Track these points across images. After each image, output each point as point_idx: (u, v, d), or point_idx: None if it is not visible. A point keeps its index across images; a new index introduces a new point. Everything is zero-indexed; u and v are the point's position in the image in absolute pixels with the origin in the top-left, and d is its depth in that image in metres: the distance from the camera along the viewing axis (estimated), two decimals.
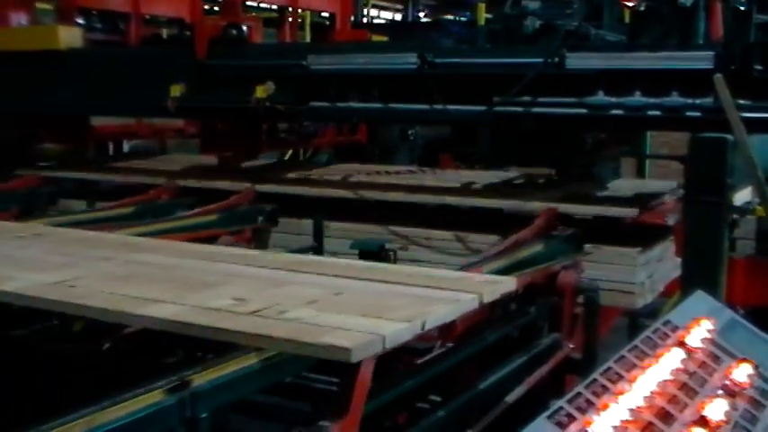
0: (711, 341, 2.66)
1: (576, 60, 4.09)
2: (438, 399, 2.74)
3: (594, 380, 2.23)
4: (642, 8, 4.17)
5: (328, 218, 4.70)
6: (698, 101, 3.84)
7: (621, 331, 4.26)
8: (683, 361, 2.46)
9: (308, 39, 9.67)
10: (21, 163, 5.96)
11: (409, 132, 8.51)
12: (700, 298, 2.96)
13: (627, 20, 5.13)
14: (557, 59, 4.08)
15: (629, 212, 4.15)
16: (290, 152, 8.31)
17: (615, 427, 2.03)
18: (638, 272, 3.97)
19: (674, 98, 3.89)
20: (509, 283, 2.69)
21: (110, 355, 3.01)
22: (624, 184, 5.30)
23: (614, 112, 4.05)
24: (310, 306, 2.29)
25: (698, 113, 3.86)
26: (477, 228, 4.37)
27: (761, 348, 2.75)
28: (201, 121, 6.83)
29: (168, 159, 6.52)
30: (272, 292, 2.46)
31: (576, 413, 2.04)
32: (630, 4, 4.29)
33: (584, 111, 4.12)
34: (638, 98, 3.96)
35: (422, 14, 21.98)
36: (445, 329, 2.73)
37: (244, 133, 6.39)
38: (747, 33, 3.79)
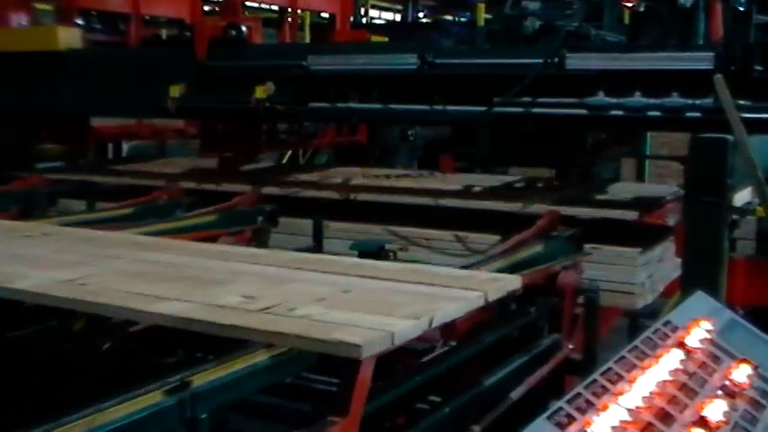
0: (711, 342, 2.65)
1: (576, 61, 4.09)
2: (438, 399, 2.74)
3: (594, 380, 2.23)
4: (642, 9, 4.17)
5: (328, 218, 4.70)
6: (698, 101, 3.84)
7: (622, 332, 4.26)
8: (682, 361, 2.46)
9: (307, 39, 9.67)
10: (21, 163, 5.96)
11: (409, 133, 8.51)
12: (700, 298, 2.96)
13: (627, 20, 5.14)
14: (557, 60, 4.08)
15: (630, 215, 4.15)
16: (290, 153, 8.31)
17: (615, 428, 2.03)
18: (639, 272, 3.97)
19: (675, 99, 3.89)
20: (514, 282, 2.72)
21: (110, 355, 3.01)
22: (625, 188, 5.29)
23: (614, 112, 4.05)
24: (319, 303, 2.32)
25: (698, 114, 3.86)
26: (478, 228, 4.37)
27: (761, 349, 2.75)
28: (201, 122, 6.84)
29: (169, 162, 6.52)
30: (281, 290, 2.49)
31: (575, 414, 2.04)
32: (630, 5, 4.29)
33: (584, 111, 4.12)
34: (638, 99, 3.97)
35: (421, 15, 21.97)
36: (447, 329, 2.75)
37: (244, 134, 6.40)
38: (747, 34, 3.79)
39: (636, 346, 2.48)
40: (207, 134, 6.85)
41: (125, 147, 7.91)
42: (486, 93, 4.26)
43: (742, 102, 3.64)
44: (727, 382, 2.44)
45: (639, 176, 8.41)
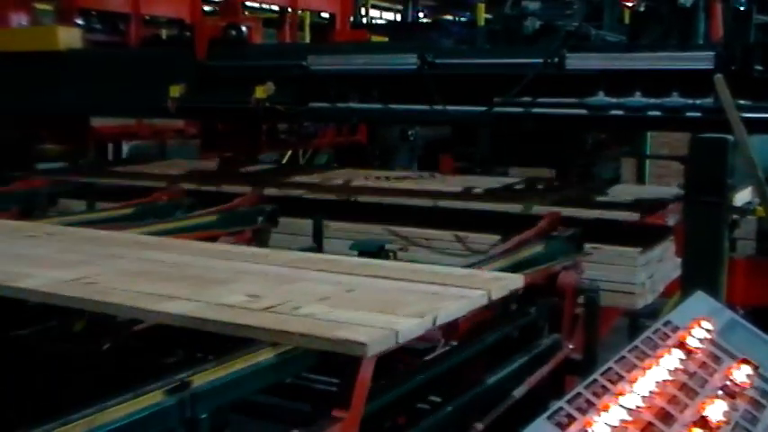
0: (711, 342, 2.65)
1: (577, 61, 4.08)
2: (438, 399, 2.74)
3: (595, 380, 2.22)
4: (642, 9, 4.17)
5: (328, 218, 4.70)
6: (698, 101, 3.84)
7: (622, 332, 4.26)
8: (683, 361, 2.46)
9: (307, 39, 9.67)
10: (21, 163, 5.96)
11: (409, 133, 8.51)
12: (700, 298, 2.96)
13: (627, 20, 5.14)
14: (557, 60, 4.08)
15: (631, 217, 4.15)
16: (290, 153, 8.31)
17: (615, 428, 2.03)
18: (639, 272, 3.97)
19: (675, 99, 3.89)
20: (517, 280, 2.75)
21: (110, 355, 3.01)
22: (625, 191, 5.28)
23: (614, 112, 4.04)
24: (323, 302, 2.34)
25: (698, 114, 3.86)
26: (478, 228, 4.37)
27: (761, 349, 2.75)
28: (201, 122, 6.84)
29: (170, 164, 6.51)
30: (285, 289, 2.51)
31: (576, 414, 2.04)
32: (630, 5, 4.29)
33: (584, 111, 4.11)
34: (638, 99, 3.96)
35: (421, 15, 21.97)
36: (448, 329, 2.75)
37: (244, 134, 6.41)
38: (747, 34, 3.79)
39: (636, 346, 2.48)
40: (207, 134, 6.85)
41: (125, 147, 7.91)
42: (486, 93, 4.26)
43: (742, 101, 3.64)
44: (728, 382, 2.44)
45: (640, 176, 8.41)
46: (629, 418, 2.07)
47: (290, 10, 8.65)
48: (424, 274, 2.71)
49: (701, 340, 2.62)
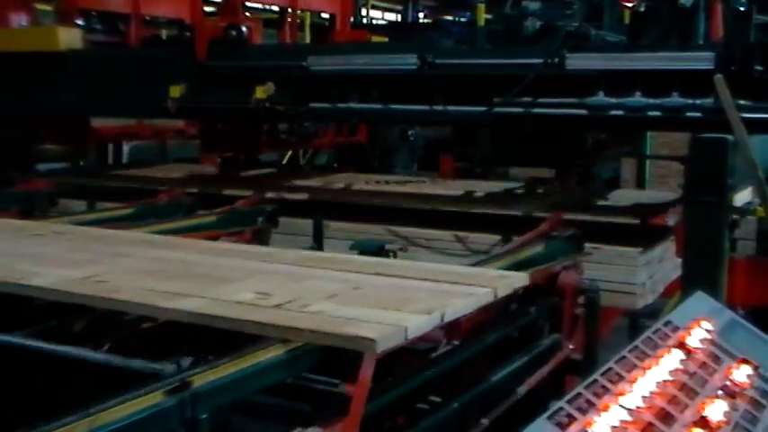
0: (712, 342, 2.65)
1: (577, 61, 4.08)
2: (438, 399, 2.74)
3: (595, 380, 2.22)
4: (642, 9, 4.17)
5: (328, 218, 4.70)
6: (698, 101, 3.84)
7: (622, 332, 4.26)
8: (683, 361, 2.46)
9: (307, 40, 9.66)
10: (21, 163, 5.96)
11: (409, 133, 8.50)
12: (700, 298, 2.96)
13: (627, 20, 5.13)
14: (557, 60, 4.08)
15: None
16: (290, 153, 8.31)
17: (615, 428, 2.03)
18: (639, 272, 3.97)
19: (675, 99, 3.89)
20: (522, 279, 2.79)
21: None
22: (626, 195, 5.28)
23: (614, 112, 4.04)
24: (331, 300, 2.38)
25: (698, 114, 3.86)
26: (478, 228, 4.37)
27: (761, 349, 2.75)
28: (202, 122, 6.83)
29: (171, 169, 6.51)
30: (293, 287, 2.55)
31: (576, 414, 2.04)
32: (630, 5, 4.29)
33: (584, 111, 4.11)
34: (638, 99, 3.96)
35: (421, 15, 21.96)
36: (450, 329, 2.76)
37: (244, 134, 6.40)
38: (747, 34, 3.79)
39: (636, 347, 2.48)
40: (207, 134, 6.85)
41: (125, 147, 7.91)
42: (487, 93, 4.26)
43: (742, 102, 3.64)
44: (728, 383, 2.44)
45: (640, 176, 8.41)
46: (630, 419, 2.07)
47: (290, 10, 8.63)
48: (430, 272, 2.75)
49: (701, 340, 2.62)
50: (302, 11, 9.13)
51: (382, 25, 17.21)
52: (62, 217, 4.54)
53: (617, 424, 2.04)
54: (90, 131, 6.82)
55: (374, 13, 21.82)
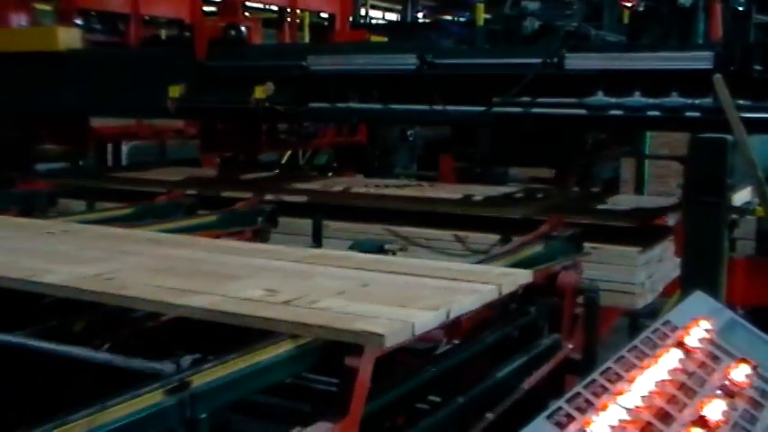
0: (711, 341, 2.66)
1: (576, 61, 4.08)
2: (438, 399, 2.74)
3: (594, 380, 2.23)
4: (641, 8, 4.17)
5: (327, 218, 4.70)
6: (697, 101, 3.84)
7: (622, 331, 4.26)
8: (682, 361, 2.46)
9: (307, 39, 9.67)
10: (21, 163, 5.96)
11: (409, 133, 8.50)
12: (699, 298, 2.96)
13: (626, 20, 5.14)
14: (556, 60, 4.08)
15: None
16: (290, 153, 8.31)
17: (614, 428, 2.03)
18: (639, 272, 3.97)
19: (674, 98, 3.89)
20: (525, 276, 2.82)
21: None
22: (626, 201, 5.27)
23: (614, 112, 4.04)
24: (339, 296, 2.41)
25: (697, 114, 3.86)
26: (477, 228, 4.37)
27: (760, 349, 2.75)
28: (201, 122, 6.84)
29: (170, 171, 6.50)
30: (301, 284, 2.58)
31: (575, 413, 2.05)
32: (630, 5, 4.29)
33: (583, 111, 4.11)
34: (637, 98, 3.96)
35: (421, 15, 21.96)
36: (450, 328, 2.77)
37: (243, 134, 6.40)
38: (747, 33, 3.79)
39: (635, 346, 2.49)
40: (207, 134, 6.85)
41: (124, 147, 7.91)
42: (486, 93, 4.26)
43: (741, 101, 3.64)
44: (727, 382, 2.45)
45: (639, 176, 8.42)
46: (628, 418, 2.07)
47: (289, 10, 8.64)
48: (435, 270, 2.79)
49: (700, 340, 2.62)
50: (302, 11, 9.13)
51: (381, 25, 17.20)
52: (62, 217, 4.54)
53: (616, 423, 2.04)
54: (89, 131, 6.82)
55: (375, 13, 21.81)
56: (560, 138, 6.35)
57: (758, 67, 3.71)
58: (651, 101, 3.94)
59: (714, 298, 3.08)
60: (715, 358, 2.59)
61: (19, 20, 6.50)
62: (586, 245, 3.99)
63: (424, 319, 2.21)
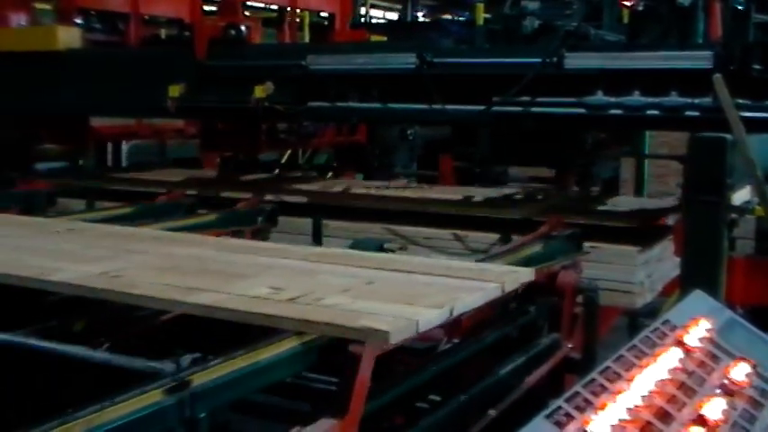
0: (710, 340, 2.66)
1: (575, 60, 4.09)
2: (437, 398, 2.75)
3: (593, 379, 2.23)
4: (641, 8, 4.17)
5: (327, 217, 4.70)
6: (697, 100, 3.84)
7: (621, 331, 4.25)
8: (681, 360, 2.46)
9: (307, 39, 9.66)
10: (21, 163, 5.96)
11: (408, 132, 8.49)
12: (699, 297, 2.96)
13: (626, 20, 5.14)
14: (556, 59, 4.08)
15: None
16: (290, 152, 8.30)
17: (613, 427, 2.03)
18: (638, 271, 3.98)
19: (674, 98, 3.89)
20: (528, 274, 2.84)
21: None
22: (626, 203, 5.26)
23: (613, 111, 4.05)
24: (344, 294, 2.44)
25: (697, 113, 3.86)
26: (477, 227, 4.37)
27: (760, 348, 2.75)
28: (201, 122, 6.84)
29: (169, 173, 6.51)
30: (306, 282, 2.60)
31: (574, 412, 2.05)
32: (629, 4, 4.29)
33: (583, 111, 4.12)
34: (637, 98, 3.97)
35: (420, 14, 21.94)
36: (450, 327, 2.78)
37: (243, 133, 6.40)
38: (746, 33, 3.79)
39: (635, 345, 2.49)
40: (206, 134, 6.85)
41: (124, 147, 7.90)
42: (486, 92, 4.26)
43: (741, 101, 3.64)
44: (726, 381, 2.45)
45: (639, 176, 8.41)
46: (628, 417, 2.07)
47: (289, 10, 8.64)
48: (438, 268, 2.82)
49: (699, 339, 2.62)
50: (301, 10, 9.13)
51: (381, 24, 17.19)
52: (62, 216, 4.54)
53: (615, 422, 2.04)
54: (89, 131, 6.82)
55: (375, 13, 21.79)
56: (560, 137, 6.35)
57: (757, 67, 3.71)
58: (651, 100, 3.94)
59: (713, 297, 3.08)
60: (714, 357, 2.59)
61: (19, 19, 6.49)
62: (585, 244, 3.99)
63: (429, 317, 2.24)
